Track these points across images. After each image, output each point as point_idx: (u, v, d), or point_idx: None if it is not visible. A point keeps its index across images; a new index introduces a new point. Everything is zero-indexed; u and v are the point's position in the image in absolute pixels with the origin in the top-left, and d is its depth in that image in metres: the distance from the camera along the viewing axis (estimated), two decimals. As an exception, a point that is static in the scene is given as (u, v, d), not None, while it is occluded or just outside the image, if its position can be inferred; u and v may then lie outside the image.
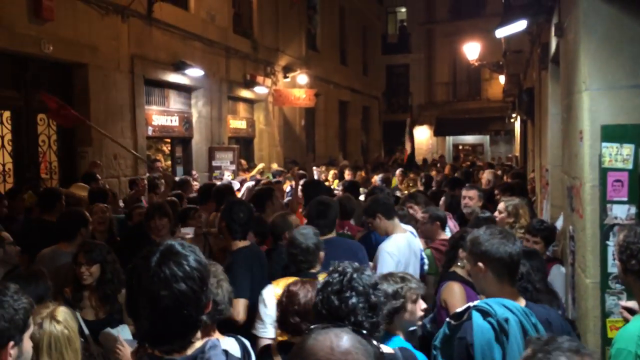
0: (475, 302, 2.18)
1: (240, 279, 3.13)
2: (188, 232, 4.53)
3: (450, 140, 26.89)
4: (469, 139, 26.87)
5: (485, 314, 2.08)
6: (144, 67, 8.72)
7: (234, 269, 3.11)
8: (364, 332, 1.85)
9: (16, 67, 6.73)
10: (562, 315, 3.23)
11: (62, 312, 2.20)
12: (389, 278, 2.67)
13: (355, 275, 1.98)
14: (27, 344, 1.68)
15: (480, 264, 2.28)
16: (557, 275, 3.92)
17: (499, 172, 10.26)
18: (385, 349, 2.14)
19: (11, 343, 1.59)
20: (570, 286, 3.75)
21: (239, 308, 3.06)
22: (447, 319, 2.26)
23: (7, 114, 6.70)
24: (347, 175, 10.26)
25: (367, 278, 2.00)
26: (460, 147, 27.20)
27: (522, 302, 2.29)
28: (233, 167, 10.77)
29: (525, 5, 5.42)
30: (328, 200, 3.98)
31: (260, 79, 12.52)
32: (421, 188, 8.26)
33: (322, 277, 2.42)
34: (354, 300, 1.93)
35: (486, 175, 8.17)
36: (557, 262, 4.16)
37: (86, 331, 3.02)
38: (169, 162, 10.87)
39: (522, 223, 4.27)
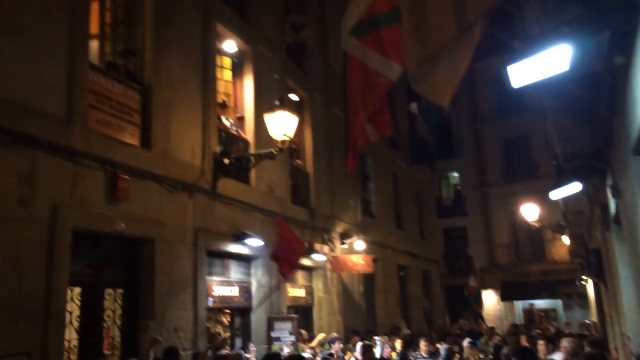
0: None
1: None
2: None
3: (519, 304, 25.51)
4: (540, 303, 25.34)
5: None
6: (207, 239, 9.09)
7: None
8: None
9: (90, 244, 7.16)
10: None
11: None
12: None
13: None
14: None
15: None
16: None
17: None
18: None
19: None
20: None
21: None
22: None
23: (77, 290, 6.97)
24: (423, 345, 9.67)
25: None
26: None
27: None
28: (292, 337, 10.50)
29: (577, 169, 5.47)
30: None
31: (317, 246, 12.73)
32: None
33: None
34: None
35: (565, 344, 7.54)
36: None
37: None
38: (229, 334, 10.74)
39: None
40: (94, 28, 7.81)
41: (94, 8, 7.83)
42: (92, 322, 7.09)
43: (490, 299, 24.67)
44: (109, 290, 7.45)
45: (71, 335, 6.79)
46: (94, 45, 8.00)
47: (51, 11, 6.59)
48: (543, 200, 16.68)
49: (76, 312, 6.91)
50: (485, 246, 25.80)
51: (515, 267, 24.52)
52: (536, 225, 17.39)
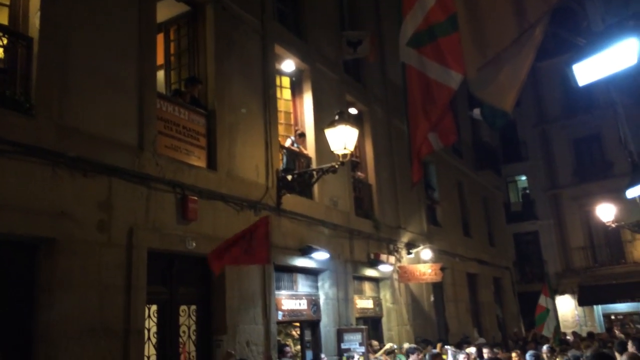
0: None
1: None
2: None
3: (599, 309, 24.29)
4: (622, 307, 24.06)
5: None
6: (274, 254, 9.23)
7: None
8: None
9: (164, 264, 7.48)
10: None
11: None
12: None
13: None
14: None
15: None
16: None
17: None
18: None
19: None
20: None
21: None
22: None
23: (154, 308, 7.28)
24: (486, 354, 9.56)
25: None
26: (613, 317, 24.30)
27: None
28: (362, 348, 10.48)
29: (653, 167, 5.22)
30: None
31: (384, 257, 12.67)
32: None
33: None
34: None
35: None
36: None
37: None
38: (299, 347, 10.86)
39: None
40: (159, 59, 8.20)
41: (159, 40, 8.23)
42: (169, 337, 7.38)
43: (567, 305, 23.65)
44: (184, 307, 7.73)
45: (150, 351, 7.09)
46: (160, 74, 8.40)
47: (122, 49, 7.01)
48: (619, 199, 15.93)
49: (153, 328, 7.22)
50: (559, 250, 24.82)
51: (593, 271, 23.44)
52: (613, 225, 16.54)
